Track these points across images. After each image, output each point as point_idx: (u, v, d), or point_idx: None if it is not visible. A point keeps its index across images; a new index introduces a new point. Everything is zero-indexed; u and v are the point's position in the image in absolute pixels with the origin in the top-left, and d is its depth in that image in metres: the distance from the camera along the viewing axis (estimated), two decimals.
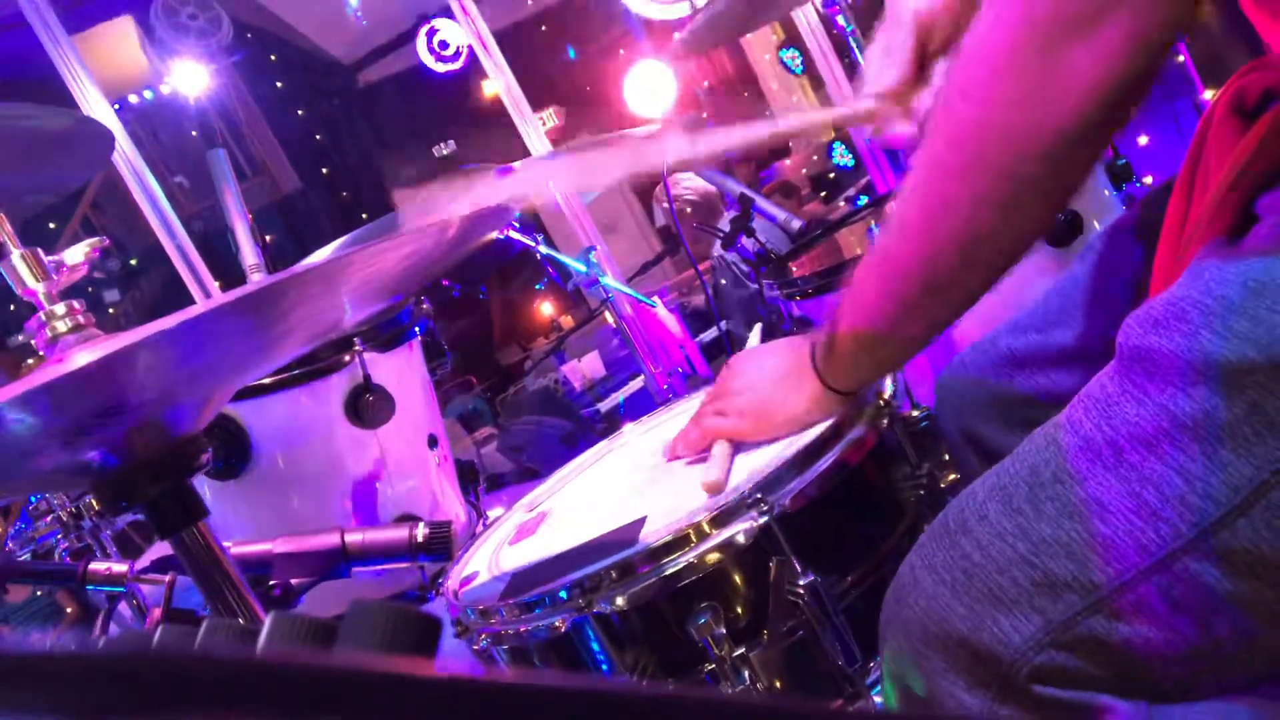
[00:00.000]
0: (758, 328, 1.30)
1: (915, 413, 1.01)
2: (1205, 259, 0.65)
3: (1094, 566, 0.63)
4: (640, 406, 3.98)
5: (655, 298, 2.76)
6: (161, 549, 0.98)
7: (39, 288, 0.88)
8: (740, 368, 1.02)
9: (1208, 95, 3.31)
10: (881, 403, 0.98)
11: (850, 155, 6.84)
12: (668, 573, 0.86)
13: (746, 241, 2.21)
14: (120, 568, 1.14)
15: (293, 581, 1.09)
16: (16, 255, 0.89)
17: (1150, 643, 0.63)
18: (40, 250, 0.91)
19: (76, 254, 0.97)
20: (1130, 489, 0.62)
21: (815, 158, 7.48)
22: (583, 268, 2.53)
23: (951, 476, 1.00)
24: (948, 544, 0.70)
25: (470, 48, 4.46)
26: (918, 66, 0.95)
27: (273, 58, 6.91)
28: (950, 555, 0.69)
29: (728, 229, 2.26)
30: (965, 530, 0.69)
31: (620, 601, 0.86)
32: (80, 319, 0.87)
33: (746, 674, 0.85)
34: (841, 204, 5.41)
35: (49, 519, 2.21)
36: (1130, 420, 0.63)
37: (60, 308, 0.87)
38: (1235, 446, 0.58)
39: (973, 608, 0.67)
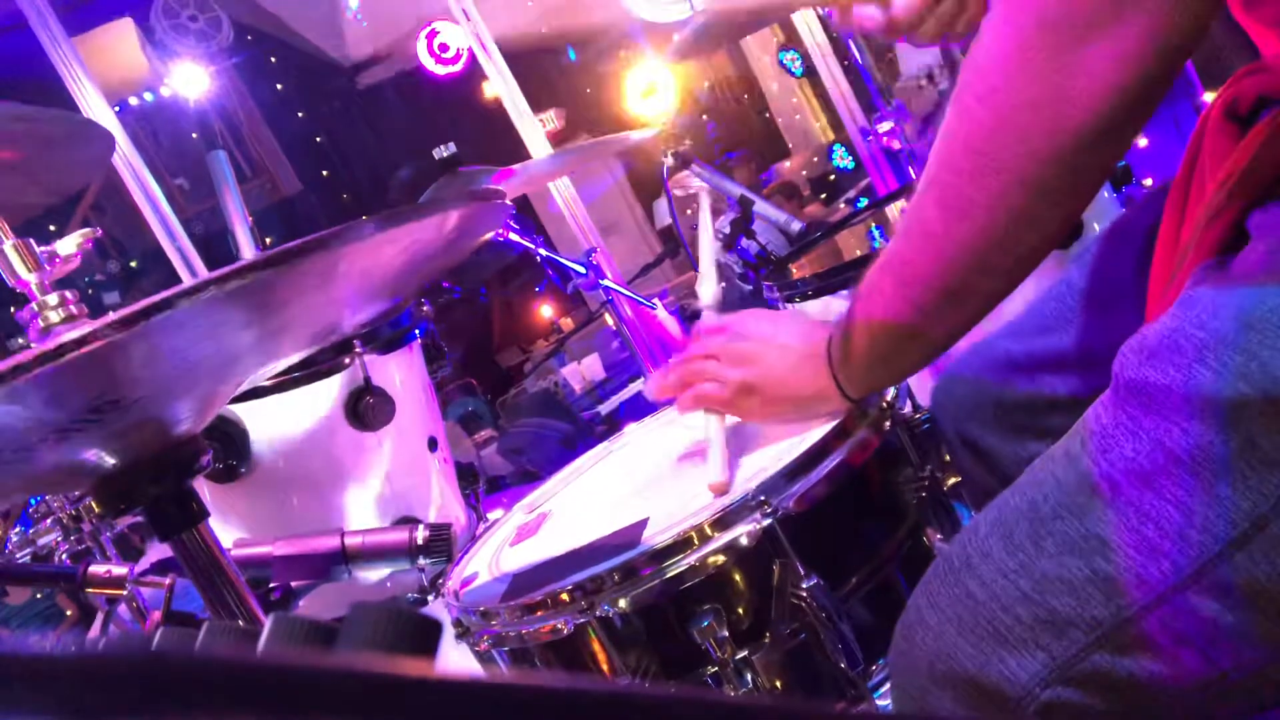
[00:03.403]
0: None
1: (917, 415, 1.01)
2: (1197, 286, 0.64)
3: (1096, 602, 0.62)
4: (640, 409, 3.98)
5: (655, 300, 2.76)
6: (160, 551, 0.97)
7: (32, 278, 0.88)
8: (749, 332, 0.98)
9: (1208, 97, 3.31)
10: (884, 405, 0.98)
11: (850, 157, 6.86)
12: (670, 575, 0.85)
13: (746, 243, 2.21)
14: (120, 570, 1.14)
15: (292, 583, 1.09)
16: (9, 245, 0.89)
17: (1156, 676, 0.62)
18: (32, 241, 0.91)
19: (69, 244, 0.97)
20: (1129, 524, 0.61)
21: (815, 159, 7.49)
22: (583, 270, 2.53)
23: (953, 479, 1.00)
24: (952, 582, 0.70)
25: (470, 50, 4.46)
26: None
27: (273, 60, 6.92)
28: (955, 593, 0.69)
29: (727, 230, 2.26)
30: (969, 567, 0.69)
31: (622, 604, 0.86)
32: (73, 309, 0.87)
33: (749, 676, 0.85)
34: (842, 206, 5.42)
35: (49, 521, 2.21)
36: (1127, 455, 0.62)
37: (53, 298, 0.87)
38: (1232, 481, 0.58)
39: (979, 646, 0.66)
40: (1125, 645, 0.62)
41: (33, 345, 0.83)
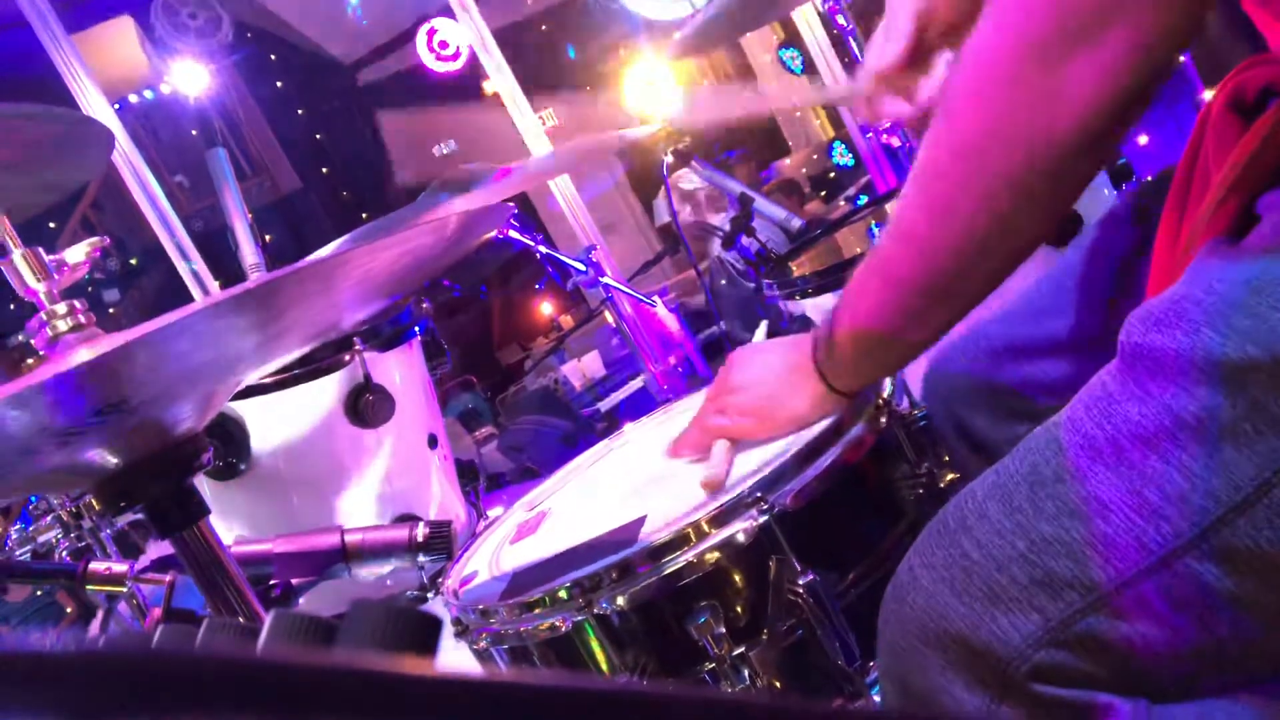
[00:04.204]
0: (764, 325, 1.30)
1: (914, 411, 1.01)
2: (1206, 258, 0.65)
3: (1094, 565, 0.63)
4: (640, 406, 3.98)
5: (655, 297, 2.76)
6: (161, 549, 0.98)
7: (40, 287, 0.88)
8: (742, 364, 1.02)
9: (1207, 95, 3.30)
10: (880, 401, 0.98)
11: (850, 155, 6.84)
12: (667, 572, 0.86)
13: (746, 241, 2.21)
14: (120, 567, 1.14)
15: (293, 581, 1.09)
16: (18, 255, 0.89)
17: (1150, 642, 0.63)
18: (41, 250, 0.91)
19: (77, 253, 0.97)
20: (1131, 487, 0.62)
21: (815, 157, 7.48)
22: (583, 267, 2.53)
23: (950, 475, 1.00)
24: (947, 543, 0.70)
25: (470, 47, 4.46)
26: (917, 50, 0.96)
27: (272, 57, 6.91)
28: (950, 554, 0.69)
29: (727, 228, 2.26)
30: (965, 529, 0.69)
31: (620, 601, 0.86)
32: (81, 319, 0.87)
33: (746, 673, 0.85)
34: (842, 203, 5.41)
35: (49, 519, 2.21)
36: (1132, 419, 0.63)
37: (61, 307, 0.87)
38: (1237, 445, 0.58)
39: (972, 606, 0.67)
40: (1121, 609, 0.62)
41: (42, 354, 0.83)
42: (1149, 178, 1.00)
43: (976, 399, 0.98)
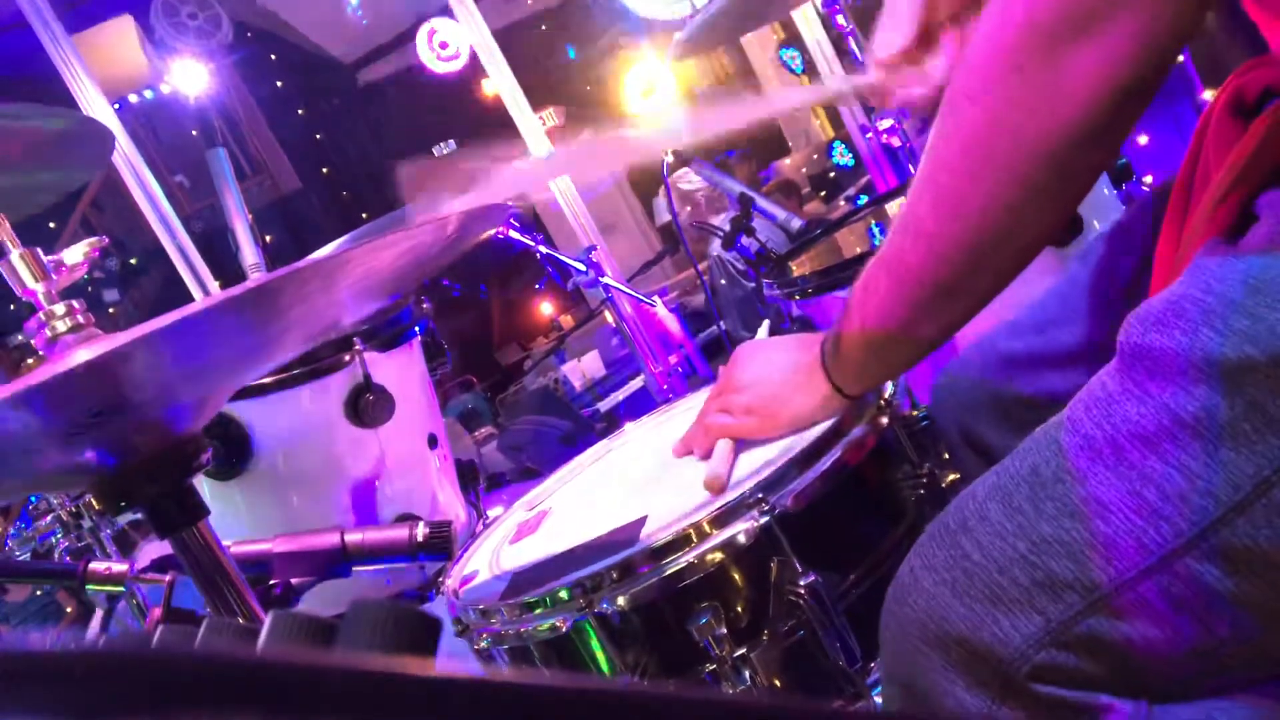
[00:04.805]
0: (765, 325, 1.30)
1: (915, 412, 1.01)
2: (1205, 258, 0.65)
3: (1094, 566, 0.63)
4: (640, 406, 3.98)
5: (655, 297, 2.76)
6: (157, 548, 0.98)
7: (38, 288, 0.88)
8: (746, 361, 1.01)
9: (1207, 95, 3.30)
10: (882, 402, 0.98)
11: (850, 155, 6.84)
12: (668, 572, 0.86)
13: (746, 241, 2.21)
14: (120, 567, 1.14)
15: (293, 581, 1.09)
16: (16, 255, 0.89)
17: (1151, 642, 0.63)
18: (39, 250, 0.91)
19: (76, 254, 0.97)
20: (1131, 487, 0.62)
21: (815, 157, 7.48)
22: (583, 267, 2.53)
23: (952, 476, 1.00)
24: (948, 544, 0.70)
25: (471, 47, 4.46)
26: (924, 32, 0.95)
27: (273, 57, 6.91)
28: (950, 555, 0.69)
29: (727, 228, 2.26)
30: (965, 530, 0.69)
31: (621, 601, 0.86)
32: (80, 319, 0.87)
33: (747, 674, 0.85)
34: (842, 203, 5.42)
35: (49, 518, 2.22)
36: (1131, 419, 0.63)
37: (60, 307, 0.87)
38: (1236, 444, 0.58)
39: (973, 607, 0.67)
40: (1122, 609, 0.62)
41: (41, 354, 0.83)
42: (1154, 186, 1.00)
43: (985, 409, 0.98)
